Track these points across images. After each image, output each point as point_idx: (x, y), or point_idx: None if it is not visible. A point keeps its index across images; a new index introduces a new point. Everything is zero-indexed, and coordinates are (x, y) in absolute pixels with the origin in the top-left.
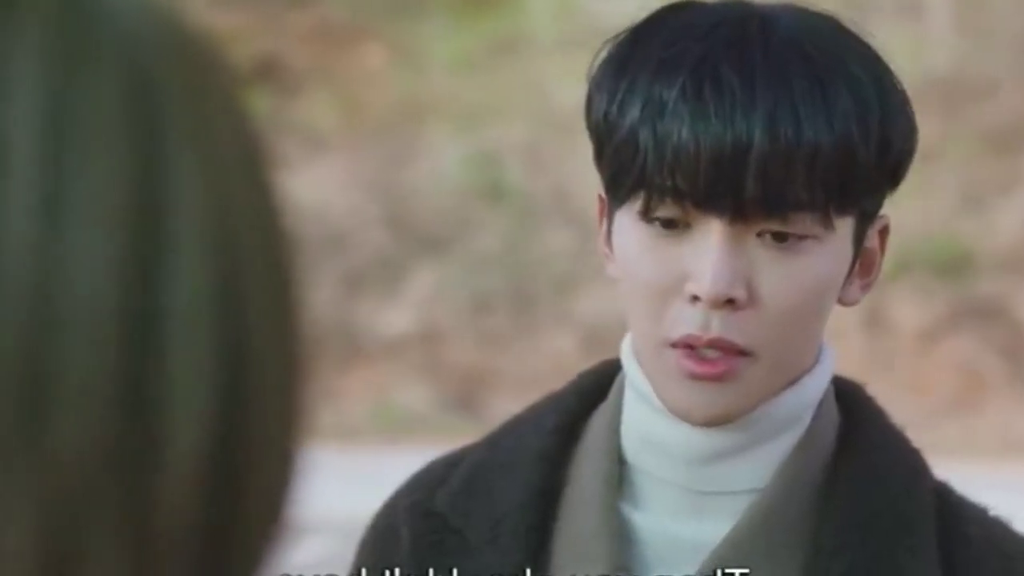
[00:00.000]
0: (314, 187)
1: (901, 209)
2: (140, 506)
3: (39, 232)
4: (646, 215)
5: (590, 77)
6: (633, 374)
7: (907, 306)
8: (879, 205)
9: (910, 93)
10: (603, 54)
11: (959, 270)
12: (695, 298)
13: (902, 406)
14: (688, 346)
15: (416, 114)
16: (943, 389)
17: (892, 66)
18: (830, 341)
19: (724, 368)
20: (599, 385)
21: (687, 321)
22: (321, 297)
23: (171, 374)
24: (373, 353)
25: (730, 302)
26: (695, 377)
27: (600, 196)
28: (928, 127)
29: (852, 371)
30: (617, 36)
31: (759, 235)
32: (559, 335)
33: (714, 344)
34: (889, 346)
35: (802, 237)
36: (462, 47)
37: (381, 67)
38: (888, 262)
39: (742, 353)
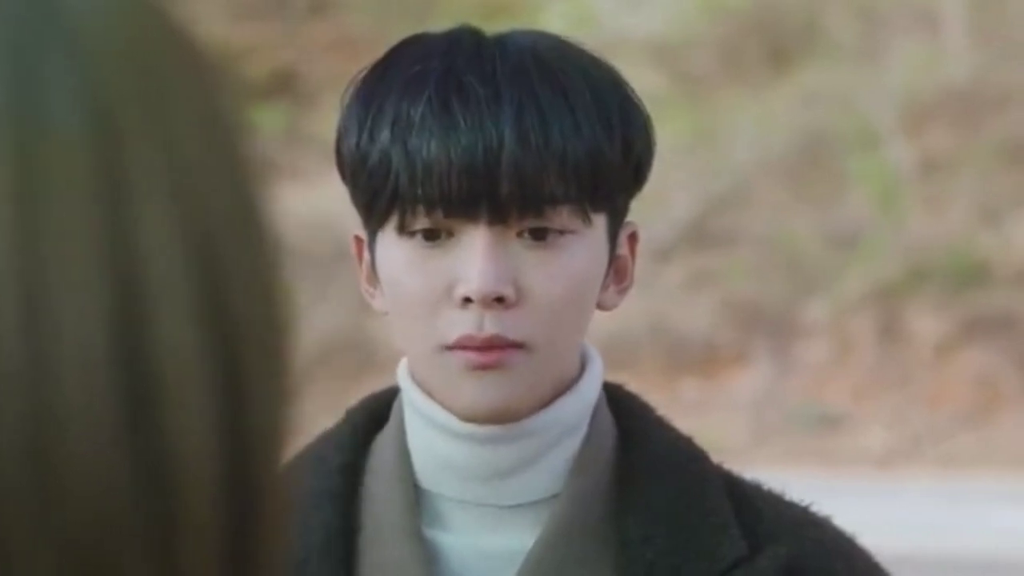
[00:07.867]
0: (332, 199)
1: (917, 221)
2: (162, 555)
3: (23, 309)
4: (403, 230)
5: (339, 119)
6: (414, 396)
7: (923, 318)
8: (627, 205)
9: (926, 105)
10: (347, 95)
11: (975, 282)
12: (466, 300)
13: (918, 418)
14: (465, 347)
15: None
16: (959, 401)
17: (902, 78)
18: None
19: (500, 355)
20: (372, 418)
21: (461, 323)
22: (334, 309)
23: (172, 412)
24: (386, 364)
25: (500, 300)
26: (475, 367)
27: (356, 237)
28: (944, 139)
29: (867, 383)
30: (357, 75)
31: (519, 235)
32: None
33: (489, 343)
34: (905, 358)
35: (561, 232)
36: None
37: None
38: (904, 274)
39: (517, 346)
